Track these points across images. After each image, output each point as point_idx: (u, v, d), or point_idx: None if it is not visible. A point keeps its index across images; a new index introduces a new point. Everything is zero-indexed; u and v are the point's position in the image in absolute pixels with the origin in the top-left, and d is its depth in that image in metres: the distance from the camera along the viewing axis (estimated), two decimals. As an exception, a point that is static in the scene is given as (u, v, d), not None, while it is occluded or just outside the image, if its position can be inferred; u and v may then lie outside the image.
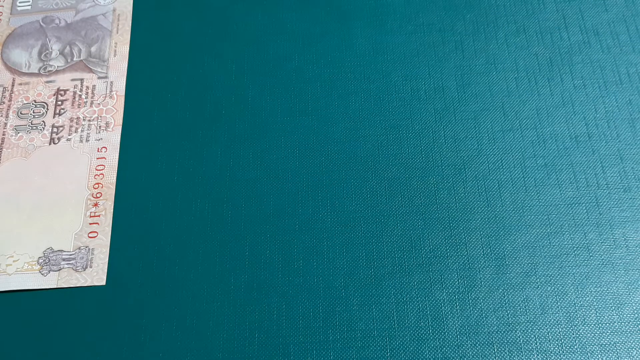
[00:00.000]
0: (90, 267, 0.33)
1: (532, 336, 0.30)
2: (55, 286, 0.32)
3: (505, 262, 0.32)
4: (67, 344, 0.31)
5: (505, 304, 0.31)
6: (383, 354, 0.30)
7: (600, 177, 0.34)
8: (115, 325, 0.31)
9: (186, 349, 0.31)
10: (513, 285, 0.31)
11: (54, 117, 0.38)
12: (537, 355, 0.30)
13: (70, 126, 0.37)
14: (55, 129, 0.37)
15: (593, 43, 0.39)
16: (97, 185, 0.35)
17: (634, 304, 0.31)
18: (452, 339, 0.30)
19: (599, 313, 0.31)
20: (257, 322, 0.31)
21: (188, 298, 0.32)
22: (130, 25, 0.41)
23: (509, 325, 0.31)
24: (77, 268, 0.33)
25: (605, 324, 0.30)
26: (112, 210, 0.34)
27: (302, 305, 0.32)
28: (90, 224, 0.34)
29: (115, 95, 0.38)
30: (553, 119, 0.36)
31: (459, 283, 0.32)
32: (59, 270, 0.33)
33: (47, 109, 0.38)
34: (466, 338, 0.30)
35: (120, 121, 0.37)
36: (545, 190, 0.34)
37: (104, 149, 0.36)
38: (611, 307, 0.31)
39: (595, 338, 0.30)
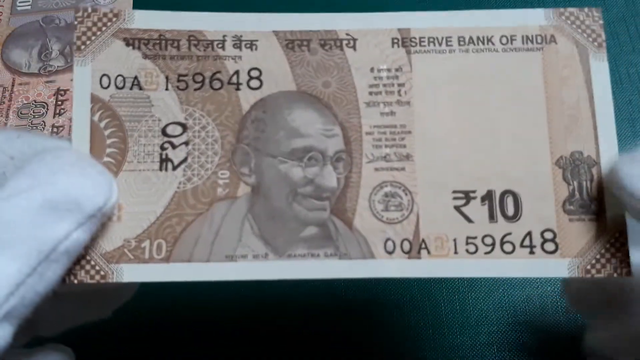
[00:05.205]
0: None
1: (532, 336, 0.30)
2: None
3: (505, 262, 0.32)
4: (68, 343, 0.31)
5: (505, 304, 0.31)
6: (383, 354, 0.30)
7: (600, 177, 0.34)
8: (115, 325, 0.31)
9: (187, 347, 0.31)
10: (513, 285, 0.31)
11: (54, 117, 0.38)
12: (537, 355, 0.30)
13: (71, 126, 0.37)
14: (55, 129, 0.37)
15: (593, 43, 0.39)
16: (97, 185, 0.35)
17: (634, 304, 0.31)
18: (452, 339, 0.30)
19: (599, 313, 0.31)
20: (256, 321, 0.31)
21: (188, 297, 0.32)
22: (130, 25, 0.41)
23: (509, 325, 0.31)
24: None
25: (605, 324, 0.30)
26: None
27: (302, 305, 0.31)
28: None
29: (115, 95, 0.38)
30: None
31: (459, 283, 0.32)
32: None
33: (47, 109, 0.38)
34: (466, 338, 0.30)
35: (121, 121, 0.37)
36: (545, 190, 0.34)
37: (104, 149, 0.36)
38: (611, 307, 0.31)
39: (595, 338, 0.30)
